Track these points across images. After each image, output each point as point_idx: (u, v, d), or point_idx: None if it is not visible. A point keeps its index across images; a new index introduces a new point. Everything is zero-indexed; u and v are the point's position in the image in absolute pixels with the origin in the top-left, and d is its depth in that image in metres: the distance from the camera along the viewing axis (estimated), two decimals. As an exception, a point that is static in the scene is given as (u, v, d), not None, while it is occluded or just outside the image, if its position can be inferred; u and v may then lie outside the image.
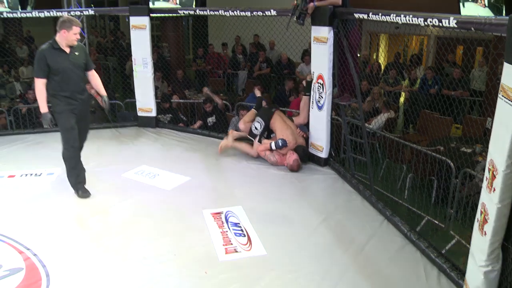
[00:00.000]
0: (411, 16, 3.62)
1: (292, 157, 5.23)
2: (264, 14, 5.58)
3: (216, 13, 6.16)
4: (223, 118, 7.17)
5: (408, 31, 3.86)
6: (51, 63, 4.14)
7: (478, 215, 2.73)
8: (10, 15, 6.89)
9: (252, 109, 5.92)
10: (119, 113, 7.85)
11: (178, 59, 10.27)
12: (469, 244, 2.88)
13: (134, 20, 6.60)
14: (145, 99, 6.87)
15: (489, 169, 2.59)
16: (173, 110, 7.43)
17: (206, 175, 5.18)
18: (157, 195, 4.59)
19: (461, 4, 5.22)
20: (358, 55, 6.82)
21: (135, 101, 7.01)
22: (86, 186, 4.51)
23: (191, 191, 4.71)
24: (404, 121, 8.05)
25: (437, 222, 4.66)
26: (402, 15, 3.71)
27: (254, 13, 5.66)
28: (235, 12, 5.85)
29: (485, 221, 2.62)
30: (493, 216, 2.53)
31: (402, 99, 8.99)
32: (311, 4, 4.84)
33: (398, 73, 9.17)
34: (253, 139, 5.58)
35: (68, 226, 3.95)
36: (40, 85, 4.18)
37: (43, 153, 5.71)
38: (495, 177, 2.51)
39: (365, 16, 4.25)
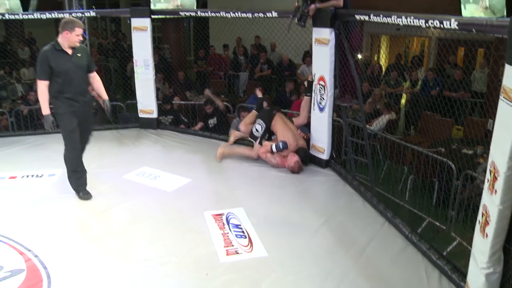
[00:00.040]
0: (412, 17, 3.62)
1: (293, 159, 5.23)
2: (265, 16, 5.58)
3: (218, 14, 6.17)
4: (224, 119, 7.17)
5: (409, 33, 3.86)
6: (53, 64, 4.11)
7: (479, 217, 2.73)
8: (12, 17, 6.90)
9: (253, 110, 5.92)
10: (120, 115, 7.85)
11: (179, 60, 10.29)
12: (471, 246, 2.88)
13: (135, 22, 6.61)
14: (146, 100, 6.88)
15: (490, 171, 2.59)
16: (175, 112, 7.44)
17: (207, 176, 5.18)
18: (158, 197, 4.59)
19: (462, 6, 5.23)
20: (360, 56, 6.82)
21: (136, 103, 7.01)
22: (87, 188, 4.51)
23: (192, 192, 4.71)
24: (405, 123, 8.05)
25: (438, 224, 4.66)
26: (403, 17, 3.71)
27: (255, 14, 5.66)
28: (236, 13, 5.85)
29: (486, 223, 2.61)
30: (495, 218, 2.53)
31: (403, 101, 8.99)
32: (313, 6, 4.84)
33: (399, 75, 9.17)
34: (254, 141, 5.58)
35: (69, 228, 3.95)
36: (42, 87, 4.15)
37: (45, 155, 5.71)
38: (496, 179, 2.51)
39: (366, 18, 4.25)
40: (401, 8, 4.16)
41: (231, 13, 5.90)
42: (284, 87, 8.29)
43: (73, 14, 6.89)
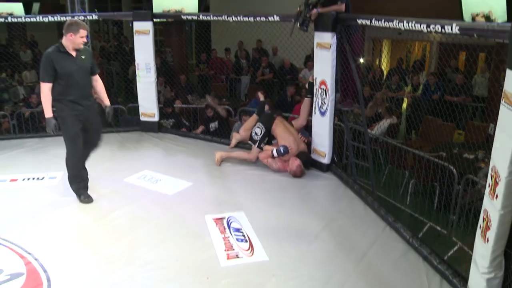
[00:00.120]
0: (413, 22, 3.62)
1: (295, 163, 5.22)
2: (267, 20, 5.59)
3: (220, 18, 6.18)
4: (226, 123, 7.17)
5: (411, 37, 3.86)
6: (58, 67, 4.06)
7: (480, 222, 2.72)
8: (15, 20, 6.92)
9: (254, 114, 5.91)
10: (122, 118, 7.86)
11: (181, 64, 10.30)
12: (472, 251, 2.87)
13: (137, 25, 6.63)
14: (148, 104, 6.89)
15: (491, 176, 2.59)
16: (176, 115, 7.45)
17: (208, 180, 5.18)
18: (159, 200, 4.59)
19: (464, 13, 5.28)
20: (361, 60, 6.82)
21: (138, 106, 7.02)
22: (88, 191, 4.51)
23: (193, 196, 4.71)
24: (407, 127, 8.04)
25: (439, 228, 4.65)
26: (404, 21, 3.71)
27: (257, 18, 5.67)
28: (238, 17, 5.86)
29: (487, 227, 2.61)
30: (496, 223, 2.53)
31: (404, 105, 8.98)
32: (315, 10, 4.85)
33: (400, 79, 9.18)
34: (252, 144, 5.57)
35: (69, 231, 3.94)
36: (46, 89, 4.10)
37: (46, 157, 5.72)
38: (497, 183, 2.51)
39: (368, 22, 4.26)
40: (403, 13, 4.16)
41: (233, 17, 5.91)
42: (286, 91, 8.30)
43: (75, 17, 6.92)
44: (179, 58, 10.54)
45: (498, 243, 2.57)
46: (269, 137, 5.57)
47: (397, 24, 3.82)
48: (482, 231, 2.68)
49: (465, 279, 3.09)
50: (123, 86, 10.33)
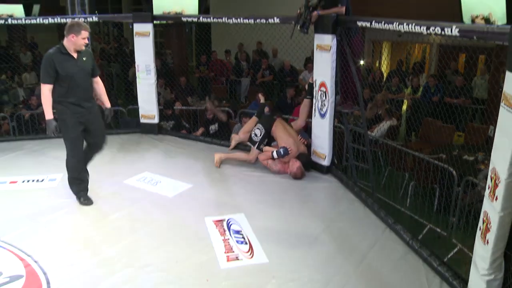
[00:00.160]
0: (413, 24, 3.62)
1: (295, 165, 5.22)
2: (267, 22, 5.59)
3: (220, 20, 6.18)
4: (226, 125, 7.17)
5: (411, 39, 3.87)
6: (59, 68, 4.03)
7: (480, 224, 2.72)
8: (15, 22, 6.93)
9: (254, 116, 5.91)
10: (122, 120, 7.87)
11: (181, 66, 10.31)
12: (472, 252, 2.87)
13: (137, 27, 6.63)
14: (148, 105, 6.89)
15: (491, 178, 2.59)
16: (176, 117, 7.45)
17: (208, 182, 5.18)
18: (159, 202, 4.59)
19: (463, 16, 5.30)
20: (362, 62, 6.83)
21: (138, 108, 7.02)
22: (88, 193, 4.50)
23: (193, 198, 4.71)
24: (407, 129, 8.05)
25: (439, 230, 4.65)
26: (404, 23, 3.72)
27: (258, 20, 5.67)
28: (238, 19, 5.86)
29: (487, 229, 2.61)
30: (496, 225, 2.53)
31: (404, 107, 8.99)
32: (315, 12, 4.86)
33: (400, 81, 9.19)
34: (252, 145, 5.57)
35: (69, 233, 3.94)
36: (46, 91, 4.06)
37: (46, 159, 5.72)
38: (497, 185, 2.51)
39: (368, 24, 4.26)
40: (403, 16, 4.17)
41: (233, 19, 5.91)
42: (286, 93, 8.30)
43: (76, 19, 6.93)
44: (179, 60, 10.56)
45: (498, 245, 2.57)
46: (268, 139, 5.57)
47: (397, 26, 3.83)
48: (482, 233, 2.68)
49: (465, 281, 3.09)
50: (123, 88, 10.34)
